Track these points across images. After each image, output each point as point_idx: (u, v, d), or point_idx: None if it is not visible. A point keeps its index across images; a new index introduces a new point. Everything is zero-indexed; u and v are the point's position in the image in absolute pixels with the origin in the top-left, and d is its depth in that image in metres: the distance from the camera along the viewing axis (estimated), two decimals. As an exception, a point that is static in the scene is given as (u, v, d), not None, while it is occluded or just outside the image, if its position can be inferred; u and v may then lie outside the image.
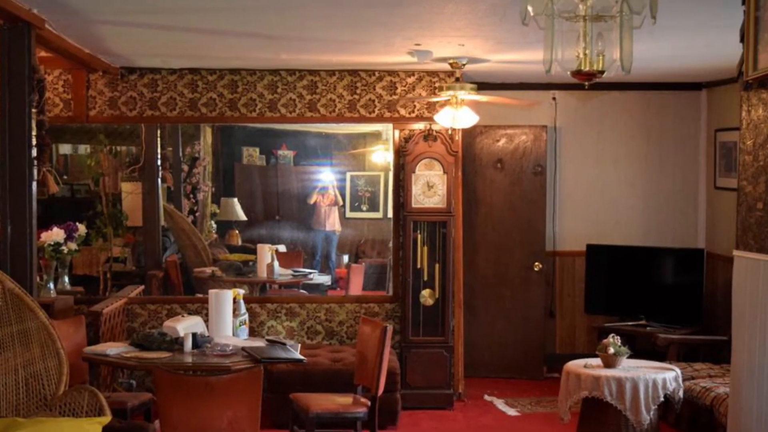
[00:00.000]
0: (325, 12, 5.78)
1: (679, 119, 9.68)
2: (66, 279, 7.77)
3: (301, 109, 8.49)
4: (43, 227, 7.07)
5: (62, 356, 5.32)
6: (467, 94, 7.68)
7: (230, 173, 10.87)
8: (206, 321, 6.65)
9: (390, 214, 8.86)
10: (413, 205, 8.33)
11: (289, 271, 9.59)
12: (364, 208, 10.64)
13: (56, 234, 7.35)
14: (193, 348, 6.11)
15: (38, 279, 6.52)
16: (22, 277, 5.58)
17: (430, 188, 8.31)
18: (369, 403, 6.47)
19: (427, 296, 8.35)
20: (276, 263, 9.21)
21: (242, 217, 10.62)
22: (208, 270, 9.56)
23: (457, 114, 7.69)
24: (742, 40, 4.91)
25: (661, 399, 6.77)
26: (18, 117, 5.64)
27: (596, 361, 7.01)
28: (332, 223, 10.62)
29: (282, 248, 10.10)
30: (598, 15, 3.98)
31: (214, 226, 10.58)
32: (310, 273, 9.83)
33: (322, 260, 10.65)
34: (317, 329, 8.58)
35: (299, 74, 8.48)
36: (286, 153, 10.70)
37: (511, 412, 8.24)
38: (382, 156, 10.23)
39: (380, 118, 8.59)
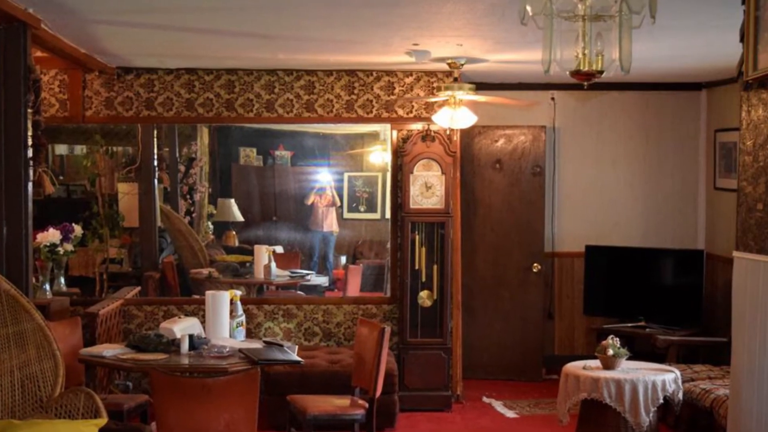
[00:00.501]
0: (323, 11, 5.75)
1: (678, 119, 9.65)
2: (62, 280, 7.74)
3: (298, 109, 8.47)
4: (38, 228, 7.04)
5: (58, 358, 5.31)
6: (465, 95, 7.65)
7: (227, 174, 10.84)
8: (203, 322, 6.64)
9: (388, 215, 8.83)
10: (411, 206, 8.30)
11: (287, 273, 9.57)
12: (362, 209, 10.61)
13: (52, 235, 7.32)
14: (189, 350, 6.09)
15: (34, 280, 6.51)
16: (17, 279, 5.57)
17: (428, 189, 8.28)
18: (367, 405, 6.45)
19: (425, 297, 8.32)
20: (273, 264, 9.18)
21: (239, 218, 10.59)
22: (205, 271, 9.54)
23: (455, 114, 7.66)
24: (742, 40, 4.89)
25: (661, 401, 6.74)
26: (14, 117, 5.62)
27: (595, 363, 6.99)
28: (330, 224, 10.59)
29: (279, 249, 10.08)
30: (597, 15, 3.96)
31: (211, 227, 10.55)
32: (308, 274, 9.81)
33: (320, 261, 10.62)
34: (315, 331, 8.55)
35: (296, 74, 8.45)
36: (283, 153, 10.67)
37: (510, 414, 8.21)
38: (379, 156, 10.20)
39: (378, 119, 8.56)
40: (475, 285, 9.38)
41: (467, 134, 9.04)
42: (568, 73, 4.07)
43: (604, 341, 6.97)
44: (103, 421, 5.00)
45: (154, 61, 8.16)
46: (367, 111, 8.50)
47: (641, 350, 8.25)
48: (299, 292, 9.68)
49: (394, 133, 8.56)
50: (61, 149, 10.55)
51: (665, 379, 6.79)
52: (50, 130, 7.72)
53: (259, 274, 9.23)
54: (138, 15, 5.88)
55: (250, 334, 8.01)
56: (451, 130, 8.22)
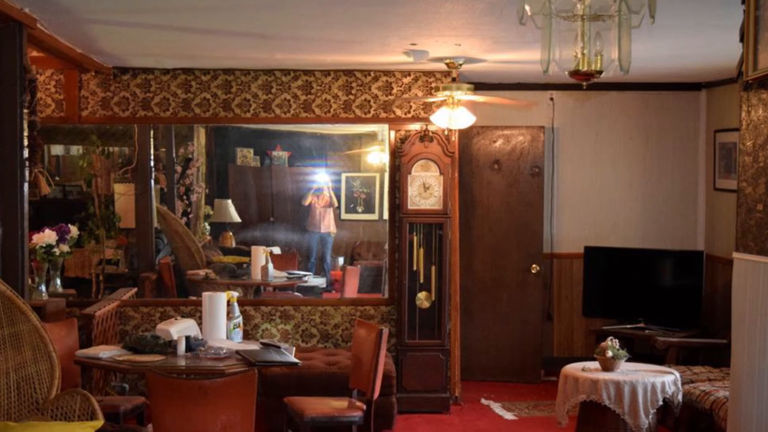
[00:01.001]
0: (319, 11, 5.72)
1: (678, 120, 9.63)
2: (58, 281, 7.72)
3: (295, 109, 8.44)
4: (34, 229, 7.03)
5: (54, 359, 5.30)
6: (464, 95, 7.63)
7: (224, 174, 10.82)
8: (200, 324, 6.61)
9: (386, 216, 8.80)
10: (409, 207, 8.27)
11: (284, 274, 9.55)
12: (360, 210, 10.58)
13: (48, 236, 7.29)
14: (186, 351, 6.08)
15: (30, 281, 6.47)
16: (13, 280, 5.55)
17: (427, 189, 8.25)
18: (364, 406, 6.44)
19: (423, 299, 8.29)
20: (270, 265, 9.17)
21: (236, 218, 10.57)
22: (202, 272, 9.52)
23: (453, 114, 7.63)
24: (741, 39, 4.87)
25: (660, 403, 6.72)
26: (9, 117, 5.60)
27: (594, 365, 6.96)
28: (327, 224, 10.57)
29: (276, 250, 10.05)
30: (596, 14, 3.95)
31: (208, 227, 10.53)
32: (305, 275, 9.79)
33: (317, 262, 10.60)
34: (312, 332, 8.52)
35: (294, 74, 8.42)
36: (280, 154, 10.65)
37: (508, 416, 8.18)
38: (377, 157, 10.17)
39: (376, 119, 8.53)
40: (473, 286, 9.35)
41: (465, 134, 9.02)
42: (566, 73, 4.06)
43: (603, 343, 6.94)
44: (99, 423, 4.98)
45: (151, 61, 8.13)
46: (365, 111, 8.47)
47: (640, 352, 8.23)
48: (296, 293, 9.65)
49: (392, 133, 8.53)
50: (57, 150, 10.53)
51: (665, 380, 6.76)
52: (46, 131, 7.70)
53: (257, 276, 9.22)
54: (134, 15, 5.86)
55: (247, 336, 7.98)
56: (450, 130, 8.19)
